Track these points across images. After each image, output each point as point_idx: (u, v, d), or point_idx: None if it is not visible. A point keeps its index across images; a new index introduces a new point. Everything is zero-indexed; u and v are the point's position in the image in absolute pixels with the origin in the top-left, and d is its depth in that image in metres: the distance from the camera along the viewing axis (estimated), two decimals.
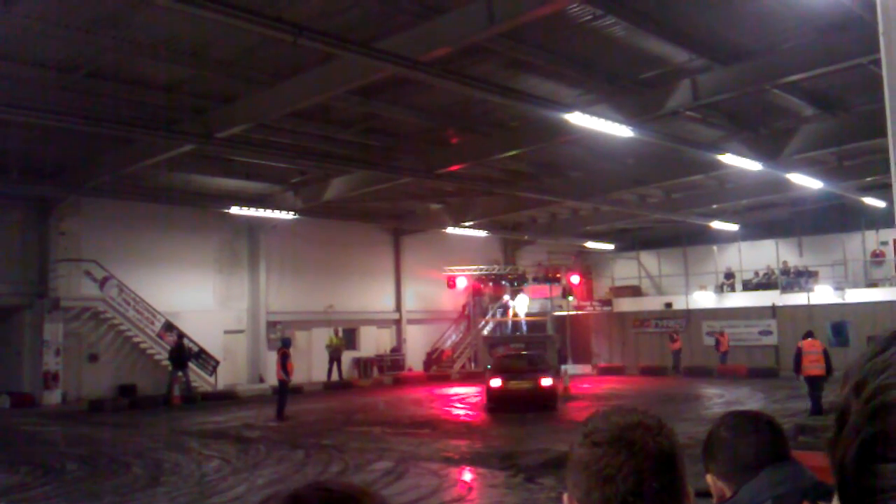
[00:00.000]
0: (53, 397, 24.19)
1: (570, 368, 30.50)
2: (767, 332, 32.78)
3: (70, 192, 23.77)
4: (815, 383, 17.06)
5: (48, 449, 15.82)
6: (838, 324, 29.68)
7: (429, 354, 36.01)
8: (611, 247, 39.16)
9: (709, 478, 2.11)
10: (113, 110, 17.23)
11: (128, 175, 22.58)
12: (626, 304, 38.01)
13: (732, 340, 32.77)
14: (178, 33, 13.96)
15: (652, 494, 1.30)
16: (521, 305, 36.29)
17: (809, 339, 17.66)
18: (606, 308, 38.31)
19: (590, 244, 38.45)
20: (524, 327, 36.51)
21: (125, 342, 26.47)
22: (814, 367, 17.11)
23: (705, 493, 2.06)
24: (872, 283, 32.13)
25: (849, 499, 0.78)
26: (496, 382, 20.12)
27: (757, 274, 35.15)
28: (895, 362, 0.78)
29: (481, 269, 35.49)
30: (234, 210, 25.59)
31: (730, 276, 35.85)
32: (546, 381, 19.90)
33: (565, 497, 1.41)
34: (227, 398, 25.80)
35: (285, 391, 20.09)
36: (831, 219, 32.39)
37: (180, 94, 17.09)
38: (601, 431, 1.37)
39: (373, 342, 34.75)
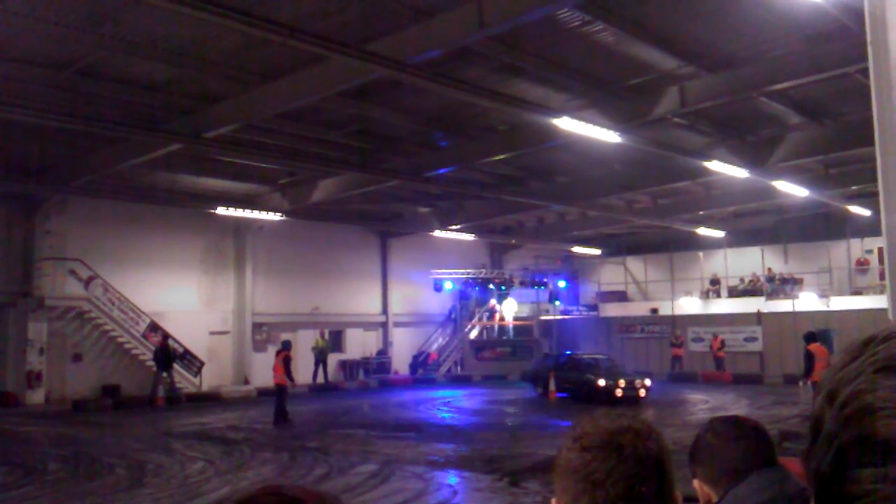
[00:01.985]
0: (37, 396, 24.05)
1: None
2: (752, 339, 32.91)
3: (56, 191, 23.64)
4: None
5: (30, 449, 15.71)
6: (822, 331, 29.80)
7: (415, 357, 35.99)
8: (598, 252, 39.28)
9: (695, 482, 2.12)
10: (102, 109, 17.16)
11: (114, 174, 22.48)
12: (612, 310, 38.13)
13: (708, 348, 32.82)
14: (168, 32, 13.91)
15: (641, 499, 1.30)
16: (508, 309, 36.34)
17: (818, 343, 17.49)
18: (593, 313, 38.42)
19: (577, 249, 38.56)
20: (511, 332, 36.59)
21: (109, 342, 26.33)
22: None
23: (691, 499, 2.07)
24: (857, 291, 32.34)
25: None
26: None
27: (742, 280, 35.34)
28: (867, 370, 0.79)
29: (468, 273, 35.52)
30: (221, 210, 25.49)
31: (715, 282, 36.04)
32: None
33: (553, 502, 1.42)
34: (211, 399, 25.69)
35: (285, 394, 19.50)
36: (817, 226, 32.63)
37: (169, 94, 17.02)
38: (590, 436, 1.37)
39: (359, 344, 34.71)
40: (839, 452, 0.76)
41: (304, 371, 31.19)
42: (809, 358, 17.01)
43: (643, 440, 1.35)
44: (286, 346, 20.25)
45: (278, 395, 19.50)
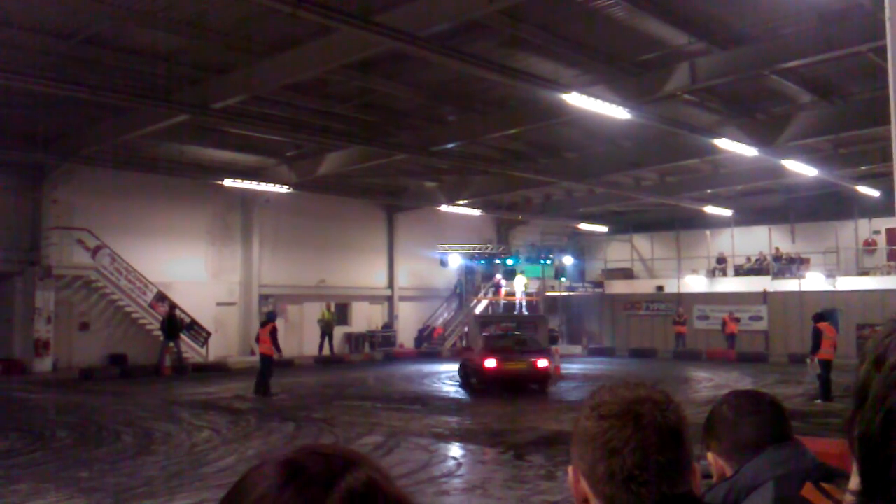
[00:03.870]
0: (44, 365, 24.21)
1: (560, 349, 30.59)
2: (758, 318, 32.94)
3: (64, 160, 23.62)
4: (830, 367, 17.04)
5: (38, 416, 15.86)
6: (829, 311, 29.82)
7: (420, 331, 36.10)
8: (604, 229, 39.21)
9: (709, 456, 2.13)
10: (109, 78, 17.11)
11: (122, 144, 22.45)
12: (617, 287, 38.14)
13: (721, 325, 32.72)
14: (176, 2, 13.83)
15: (658, 468, 1.31)
16: (518, 285, 36.35)
17: (826, 322, 17.57)
18: (598, 290, 38.43)
19: (583, 226, 38.49)
20: (523, 307, 36.62)
21: (117, 311, 26.46)
22: (832, 351, 17.11)
23: (705, 475, 2.08)
24: (864, 272, 32.27)
25: (873, 470, 0.79)
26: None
27: (749, 259, 35.29)
28: None
29: (474, 248, 35.51)
30: (228, 182, 25.48)
31: (722, 261, 35.99)
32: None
33: (570, 470, 1.42)
34: (217, 370, 25.85)
35: (271, 366, 19.57)
36: (825, 206, 32.50)
37: (177, 64, 16.94)
38: (608, 404, 1.38)
39: (364, 318, 34.81)
40: (889, 414, 0.77)
41: (309, 343, 31.41)
42: (818, 335, 17.03)
43: (662, 410, 1.36)
44: (271, 317, 20.64)
45: (263, 365, 19.47)
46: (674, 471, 1.33)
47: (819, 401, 16.88)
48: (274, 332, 19.56)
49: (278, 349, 19.66)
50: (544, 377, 19.63)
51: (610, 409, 1.36)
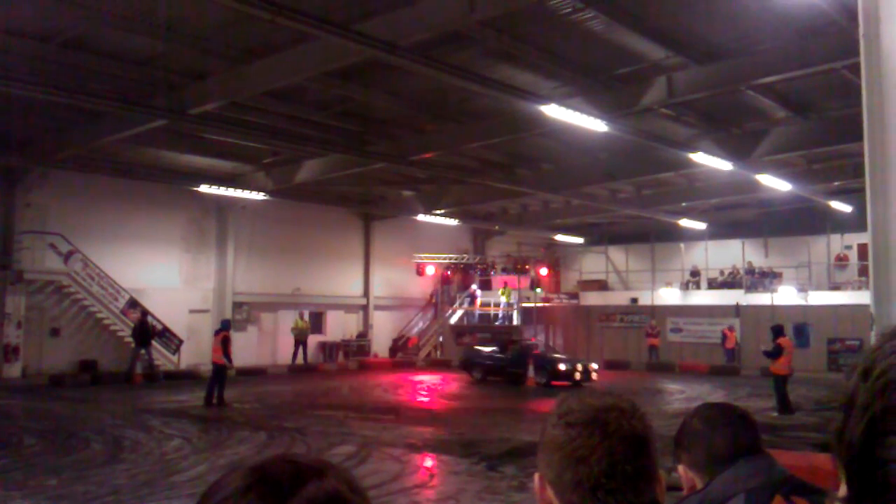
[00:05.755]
0: (13, 370, 23.89)
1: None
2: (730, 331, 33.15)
3: (38, 164, 23.37)
4: (787, 381, 17.34)
5: (6, 422, 15.62)
6: (799, 325, 30.12)
7: (395, 341, 36.02)
8: (580, 240, 39.36)
9: (680, 468, 2.12)
10: (86, 82, 16.95)
11: (97, 149, 22.25)
12: (592, 298, 38.29)
13: (693, 338, 32.94)
14: (154, 6, 13.72)
15: (624, 477, 1.31)
16: (504, 296, 36.49)
17: (785, 337, 17.86)
18: (573, 301, 38.56)
19: (559, 237, 38.62)
20: (501, 317, 36.73)
21: (88, 317, 26.17)
22: (789, 367, 17.39)
23: (674, 488, 2.07)
24: (835, 287, 32.62)
25: (856, 475, 0.82)
26: None
27: (722, 273, 35.57)
28: None
29: (451, 258, 35.54)
30: (204, 188, 25.29)
31: (695, 273, 36.25)
32: None
33: (537, 477, 1.42)
34: (189, 377, 25.58)
35: (223, 376, 19.13)
36: (798, 221, 32.83)
37: (154, 69, 16.80)
38: (575, 413, 1.38)
39: (339, 327, 34.69)
40: (871, 421, 0.80)
41: (283, 352, 31.24)
42: (779, 351, 17.31)
43: (628, 419, 1.36)
44: (225, 325, 20.17)
45: (214, 375, 19.12)
46: (640, 479, 1.33)
47: (776, 413, 17.07)
48: (226, 342, 19.13)
49: (229, 360, 19.11)
50: None
51: (577, 418, 1.36)
